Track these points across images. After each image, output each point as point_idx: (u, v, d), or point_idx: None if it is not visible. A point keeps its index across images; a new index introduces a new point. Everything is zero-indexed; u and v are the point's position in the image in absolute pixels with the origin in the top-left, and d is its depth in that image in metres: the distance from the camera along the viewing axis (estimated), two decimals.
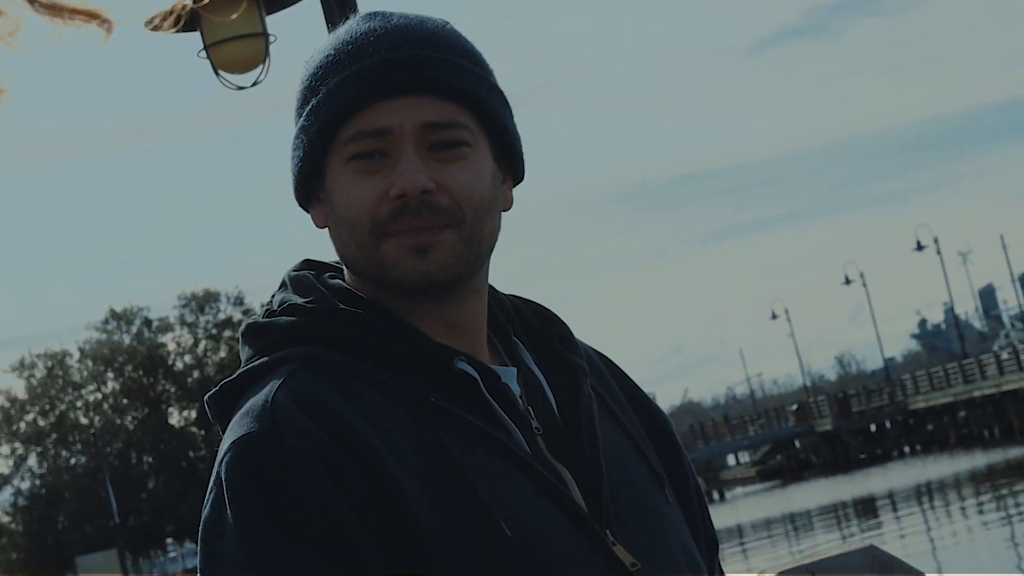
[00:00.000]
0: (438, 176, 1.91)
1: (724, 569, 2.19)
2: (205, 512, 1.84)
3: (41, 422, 73.97)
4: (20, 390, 74.37)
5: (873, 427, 78.66)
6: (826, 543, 33.64)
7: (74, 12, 1.41)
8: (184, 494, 68.86)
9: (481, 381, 1.92)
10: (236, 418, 1.87)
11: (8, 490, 74.08)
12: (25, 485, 74.00)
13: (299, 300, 1.97)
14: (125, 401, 74.27)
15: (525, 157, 2.03)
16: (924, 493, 46.21)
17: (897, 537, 32.90)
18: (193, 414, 73.00)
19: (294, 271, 2.04)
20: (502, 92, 2.00)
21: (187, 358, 74.85)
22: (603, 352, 2.18)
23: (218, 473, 1.84)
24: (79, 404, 74.83)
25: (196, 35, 8.54)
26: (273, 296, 2.02)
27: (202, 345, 74.52)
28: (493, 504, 1.83)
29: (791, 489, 64.93)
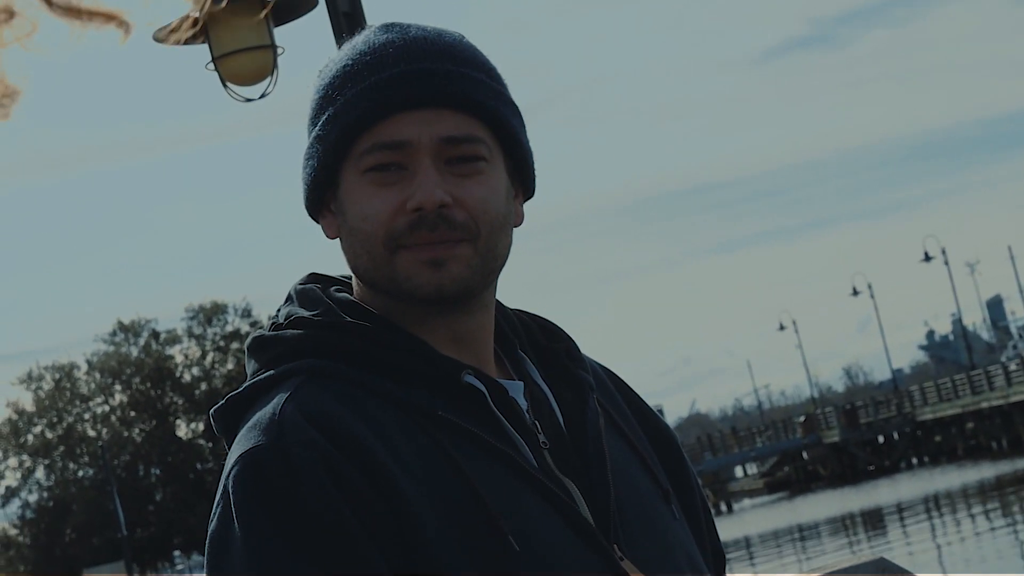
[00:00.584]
0: (455, 190, 1.91)
1: None
2: (212, 525, 1.84)
3: (49, 434, 73.99)
4: (28, 402, 74.46)
5: (881, 438, 78.53)
6: (834, 555, 33.60)
7: (92, 14, 1.39)
8: (192, 506, 68.85)
9: (488, 395, 1.92)
10: (243, 431, 1.87)
11: (16, 502, 74.13)
12: (33, 497, 74.03)
13: (306, 313, 1.97)
14: (133, 413, 74.28)
15: (536, 172, 2.03)
16: (932, 505, 46.13)
17: (905, 549, 32.84)
18: (201, 426, 72.97)
19: (300, 284, 2.03)
20: (517, 107, 2.01)
21: (195, 370, 74.86)
22: (609, 366, 2.17)
23: (225, 486, 1.83)
24: (87, 416, 74.85)
25: (204, 47, 8.55)
26: (279, 309, 2.01)
27: (210, 357, 74.54)
28: (501, 518, 1.82)
29: (799, 501, 64.85)
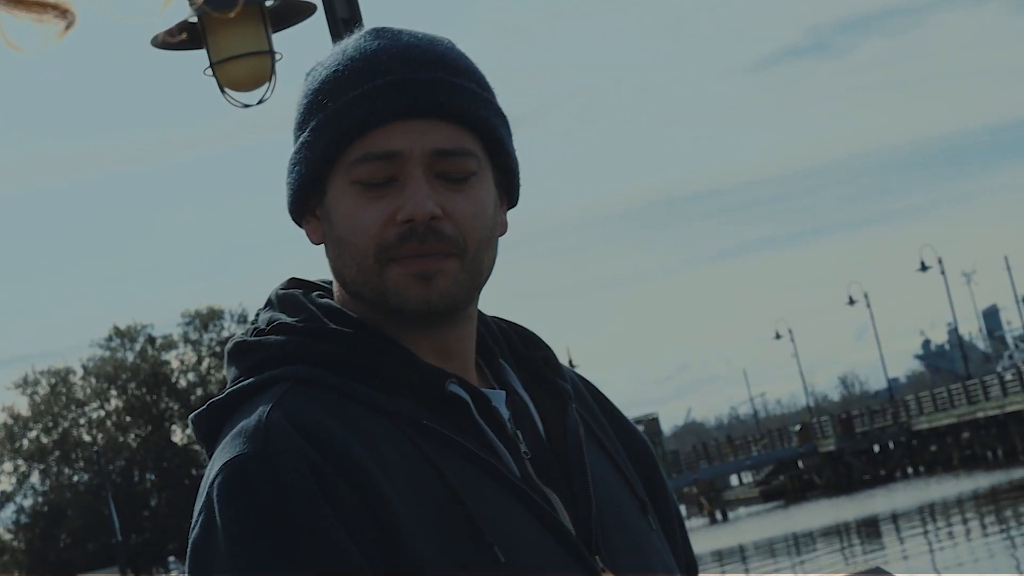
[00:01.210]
0: (445, 203, 1.89)
1: None
2: (194, 533, 1.81)
3: (44, 439, 73.98)
4: (23, 407, 74.52)
5: (876, 448, 78.52)
6: (830, 564, 33.59)
7: (32, 3, 1.28)
8: (187, 512, 68.18)
9: (472, 404, 1.91)
10: (227, 438, 1.84)
11: (11, 507, 74.14)
12: (28, 502, 74.06)
13: (288, 319, 1.94)
14: (128, 419, 74.27)
15: (522, 182, 2.02)
16: (927, 514, 46.12)
17: (900, 558, 32.83)
18: None
19: (281, 289, 2.01)
20: (505, 115, 1.99)
21: (190, 376, 74.87)
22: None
23: (208, 494, 1.80)
24: (82, 421, 74.85)
25: (202, 53, 8.54)
26: (259, 314, 1.99)
27: (205, 363, 74.53)
28: (486, 528, 1.81)
29: (794, 510, 64.80)
